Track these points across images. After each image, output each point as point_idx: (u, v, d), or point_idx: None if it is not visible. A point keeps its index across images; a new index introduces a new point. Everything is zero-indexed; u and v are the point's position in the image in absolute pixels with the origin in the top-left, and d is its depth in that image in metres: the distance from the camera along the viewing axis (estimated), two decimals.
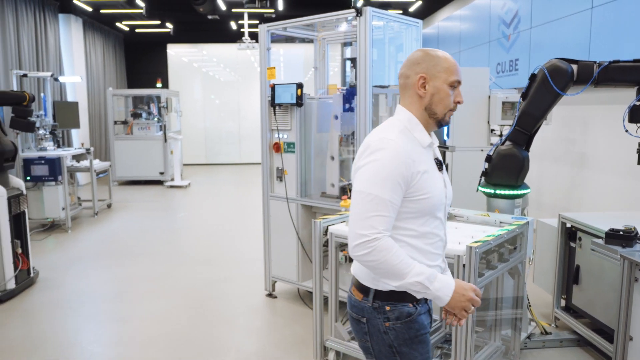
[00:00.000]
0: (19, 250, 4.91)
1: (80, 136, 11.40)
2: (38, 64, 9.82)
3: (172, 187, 11.43)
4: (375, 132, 1.80)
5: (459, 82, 1.79)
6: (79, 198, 8.51)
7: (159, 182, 11.76)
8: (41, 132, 7.42)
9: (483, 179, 3.73)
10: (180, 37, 14.51)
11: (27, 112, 4.93)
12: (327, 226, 3.33)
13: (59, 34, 10.72)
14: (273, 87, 4.39)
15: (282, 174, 4.55)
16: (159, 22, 12.55)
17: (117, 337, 4.03)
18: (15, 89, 6.94)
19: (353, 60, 4.05)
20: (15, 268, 4.82)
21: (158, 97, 11.81)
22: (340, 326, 3.37)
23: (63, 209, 7.26)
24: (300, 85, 4.23)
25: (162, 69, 15.67)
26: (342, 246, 3.38)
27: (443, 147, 4.80)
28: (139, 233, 7.34)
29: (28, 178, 7.06)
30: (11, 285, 4.77)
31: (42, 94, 7.61)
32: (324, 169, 4.48)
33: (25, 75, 7.47)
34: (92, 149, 8.26)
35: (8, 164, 4.89)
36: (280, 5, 10.55)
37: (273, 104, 4.41)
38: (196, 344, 3.85)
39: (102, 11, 11.03)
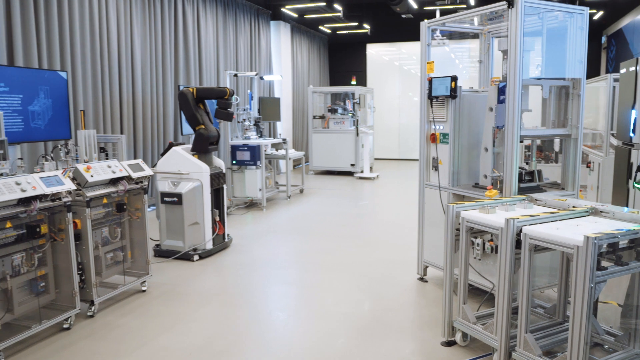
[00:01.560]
0: (217, 218, 5.96)
1: (284, 128, 12.81)
2: (252, 65, 11.35)
3: (360, 178, 12.17)
4: None
5: None
6: (276, 182, 9.69)
7: (349, 174, 12.60)
8: (246, 123, 8.66)
9: (639, 174, 3.48)
10: (378, 36, 15.23)
11: (228, 104, 5.92)
12: (460, 211, 3.49)
13: (269, 39, 12.21)
14: (430, 81, 4.61)
15: (437, 164, 4.74)
16: (356, 24, 13.38)
17: (283, 295, 4.70)
18: (228, 86, 8.24)
19: (505, 52, 4.06)
20: (213, 232, 5.86)
21: (353, 94, 12.65)
22: (467, 308, 3.51)
23: (260, 190, 8.40)
24: (454, 78, 4.39)
25: (361, 67, 16.59)
26: (476, 233, 3.50)
27: (629, 144, 4.49)
28: (321, 215, 8.12)
29: (234, 162, 8.35)
30: (209, 245, 5.82)
31: (248, 91, 8.85)
32: (478, 160, 4.56)
33: (235, 75, 8.79)
34: (287, 139, 9.32)
35: (212, 147, 5.95)
36: (472, 0, 10.48)
37: (430, 96, 4.64)
38: (346, 311, 4.31)
39: (306, 16, 12.22)
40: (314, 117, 12.88)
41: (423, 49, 4.78)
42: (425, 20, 4.75)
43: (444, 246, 3.66)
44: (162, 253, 5.77)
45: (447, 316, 3.61)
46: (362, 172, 12.35)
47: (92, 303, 4.16)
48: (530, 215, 3.17)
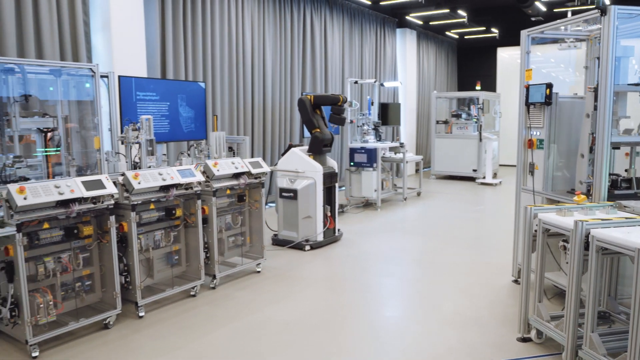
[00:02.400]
0: (329, 214, 6.54)
1: (407, 133, 13.13)
2: (376, 72, 11.87)
3: (482, 184, 12.08)
4: None
5: None
6: (395, 185, 10.08)
7: (471, 179, 12.56)
8: (365, 127, 9.18)
9: None
10: (508, 40, 14.87)
11: (341, 110, 6.47)
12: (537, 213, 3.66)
13: (395, 46, 12.62)
14: (527, 88, 4.75)
15: (533, 169, 4.86)
16: (484, 28, 13.27)
17: (381, 285, 5.14)
18: (349, 93, 8.83)
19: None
20: (324, 226, 6.45)
21: (477, 99, 12.59)
22: (542, 306, 3.66)
23: (375, 190, 8.86)
24: (549, 85, 4.50)
25: (491, 72, 16.30)
26: (554, 235, 3.65)
27: None
28: (433, 218, 8.37)
29: (352, 163, 8.91)
30: (320, 238, 6.42)
31: (367, 97, 9.37)
32: (574, 167, 4.60)
33: (356, 82, 9.34)
34: (409, 143, 9.67)
35: (326, 149, 6.55)
36: (607, 0, 9.96)
37: (527, 103, 4.77)
38: (436, 304, 4.63)
39: (431, 23, 12.44)
40: (437, 122, 13.02)
41: (522, 56, 4.92)
42: (526, 30, 4.89)
43: (521, 246, 3.84)
44: (278, 242, 6.49)
45: (523, 313, 3.79)
46: (484, 177, 12.24)
47: (214, 277, 4.95)
48: (602, 219, 3.28)
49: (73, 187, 3.65)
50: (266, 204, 7.57)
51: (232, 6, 8.07)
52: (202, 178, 4.65)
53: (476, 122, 12.52)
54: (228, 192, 5.17)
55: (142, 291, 4.27)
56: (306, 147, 6.61)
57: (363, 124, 9.17)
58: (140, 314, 4.24)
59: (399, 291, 5.00)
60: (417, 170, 13.69)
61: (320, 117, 6.60)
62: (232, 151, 5.93)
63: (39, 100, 4.41)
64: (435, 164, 12.93)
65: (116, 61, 6.16)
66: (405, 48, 13.08)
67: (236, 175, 5.12)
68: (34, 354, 3.54)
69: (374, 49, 11.83)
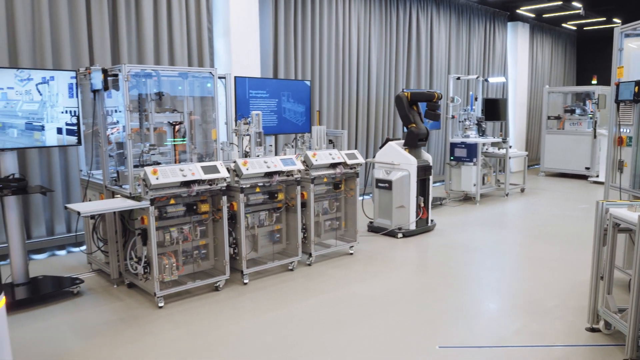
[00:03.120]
0: (422, 204, 6.89)
1: (516, 128, 12.92)
2: (484, 67, 11.84)
3: (594, 182, 11.60)
4: None
5: None
6: (498, 180, 10.10)
7: (583, 177, 12.08)
8: (467, 122, 9.32)
9: None
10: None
11: (436, 106, 6.77)
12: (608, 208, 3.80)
13: (505, 40, 12.47)
14: (617, 85, 4.78)
15: (622, 166, 4.87)
16: (604, 19, 12.62)
17: (466, 273, 5.44)
18: (450, 90, 9.03)
19: None
20: (417, 216, 6.82)
21: (593, 94, 12.06)
22: (611, 298, 3.80)
23: (474, 185, 9.00)
24: (638, 83, 4.51)
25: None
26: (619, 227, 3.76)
27: None
28: (532, 214, 8.36)
29: (452, 158, 9.12)
30: (412, 227, 6.80)
31: (470, 92, 9.48)
32: None
33: (458, 78, 9.49)
34: (519, 139, 9.64)
35: (421, 143, 6.90)
36: None
37: (617, 100, 4.80)
38: (516, 292, 4.86)
39: (544, 15, 12.10)
40: (549, 118, 12.66)
41: (615, 53, 4.94)
42: (619, 27, 4.89)
43: (592, 240, 3.98)
44: (373, 229, 6.97)
45: (592, 304, 3.94)
46: (597, 176, 11.73)
47: (310, 255, 5.56)
48: None
49: (194, 170, 4.42)
50: (364, 194, 8.09)
51: (340, 8, 8.64)
52: (301, 167, 5.26)
53: (591, 118, 12.01)
54: (325, 180, 5.74)
55: (247, 262, 4.99)
56: (402, 141, 7.00)
57: (465, 119, 9.32)
58: (245, 281, 4.96)
59: (481, 278, 5.27)
60: (529, 167, 13.45)
61: (416, 112, 6.96)
62: (331, 143, 6.50)
63: (170, 97, 5.28)
64: (545, 161, 12.59)
65: (234, 63, 7.00)
66: (516, 42, 12.85)
67: (333, 165, 5.67)
68: (160, 304, 4.37)
69: (482, 44, 11.81)
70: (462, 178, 9.13)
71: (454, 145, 9.10)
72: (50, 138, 4.63)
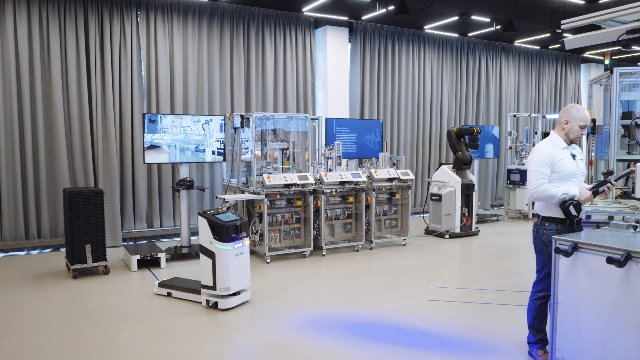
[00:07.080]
0: (466, 213, 8.97)
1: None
2: (554, 104, 13.47)
3: None
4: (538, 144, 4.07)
5: (585, 126, 3.76)
6: None
7: None
8: (523, 153, 11.15)
9: None
10: None
11: (475, 138, 8.88)
12: None
13: (578, 79, 13.97)
14: None
15: None
16: None
17: (496, 270, 7.50)
18: (508, 125, 10.97)
19: None
20: (461, 222, 8.91)
21: None
22: None
23: (526, 205, 10.78)
24: None
25: None
26: None
27: None
28: None
29: (508, 182, 11.00)
30: (457, 230, 8.90)
31: (526, 128, 11.29)
32: None
33: (514, 116, 11.36)
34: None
35: (465, 166, 9.03)
36: None
37: None
38: (529, 285, 6.89)
39: (614, 57, 13.43)
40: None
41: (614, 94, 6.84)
42: None
43: None
44: (428, 232, 9.17)
45: None
46: None
47: (371, 242, 7.95)
48: None
49: (292, 177, 7.09)
50: (423, 212, 10.26)
51: (416, 59, 11.05)
52: (365, 179, 7.71)
53: None
54: (383, 189, 8.13)
55: (325, 241, 7.52)
56: (451, 165, 9.17)
57: (522, 149, 11.16)
58: (323, 253, 7.49)
59: (506, 270, 7.27)
60: None
61: (463, 143, 9.12)
62: (394, 165, 8.87)
63: (282, 132, 8.03)
64: None
65: (330, 108, 9.70)
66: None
67: (390, 179, 8.04)
68: (267, 260, 7.04)
69: (553, 83, 13.47)
70: (516, 199, 10.95)
71: (510, 172, 10.97)
72: (208, 157, 7.55)
